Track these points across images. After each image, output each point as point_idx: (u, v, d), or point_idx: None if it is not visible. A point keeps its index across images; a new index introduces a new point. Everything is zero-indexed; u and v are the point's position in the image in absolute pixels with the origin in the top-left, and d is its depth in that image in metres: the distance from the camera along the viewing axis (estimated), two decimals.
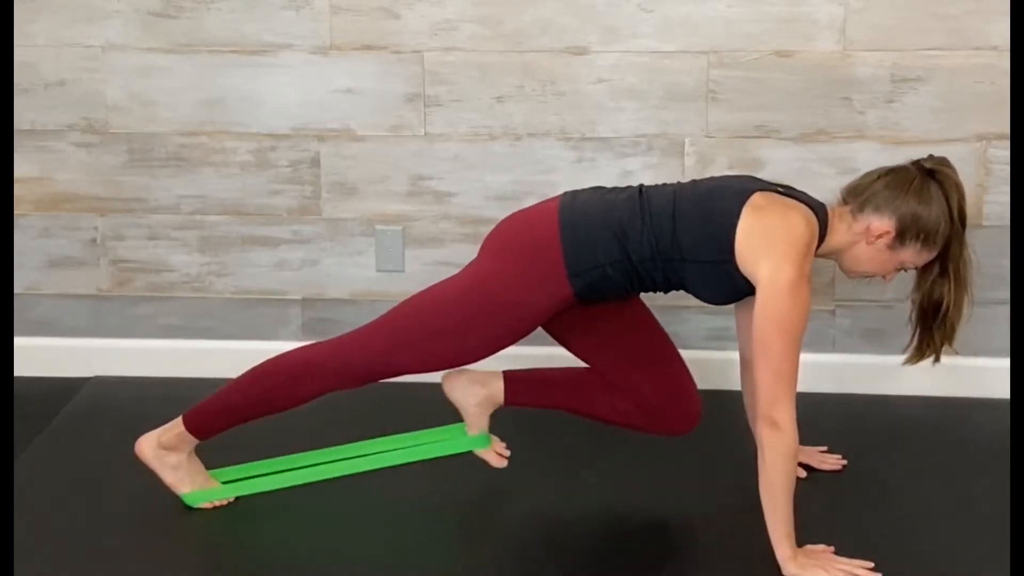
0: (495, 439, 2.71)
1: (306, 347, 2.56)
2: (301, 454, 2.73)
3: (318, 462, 2.71)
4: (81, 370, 3.30)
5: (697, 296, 2.47)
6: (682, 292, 2.49)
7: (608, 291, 2.46)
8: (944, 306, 2.45)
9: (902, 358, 2.57)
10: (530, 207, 2.57)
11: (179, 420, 2.56)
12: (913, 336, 2.53)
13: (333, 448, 2.75)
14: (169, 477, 2.57)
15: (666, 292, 2.49)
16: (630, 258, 2.40)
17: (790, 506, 2.31)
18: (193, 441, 2.56)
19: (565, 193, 2.54)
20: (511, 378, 2.64)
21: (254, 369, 2.54)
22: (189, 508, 2.58)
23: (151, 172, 3.22)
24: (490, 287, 2.44)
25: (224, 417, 2.55)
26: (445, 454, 2.72)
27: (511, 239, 2.49)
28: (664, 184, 2.52)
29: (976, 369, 3.03)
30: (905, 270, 2.49)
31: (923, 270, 2.49)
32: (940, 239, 2.41)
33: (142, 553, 2.46)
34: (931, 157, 2.47)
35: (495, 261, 2.47)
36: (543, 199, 2.58)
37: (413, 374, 2.50)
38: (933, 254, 2.44)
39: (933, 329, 2.49)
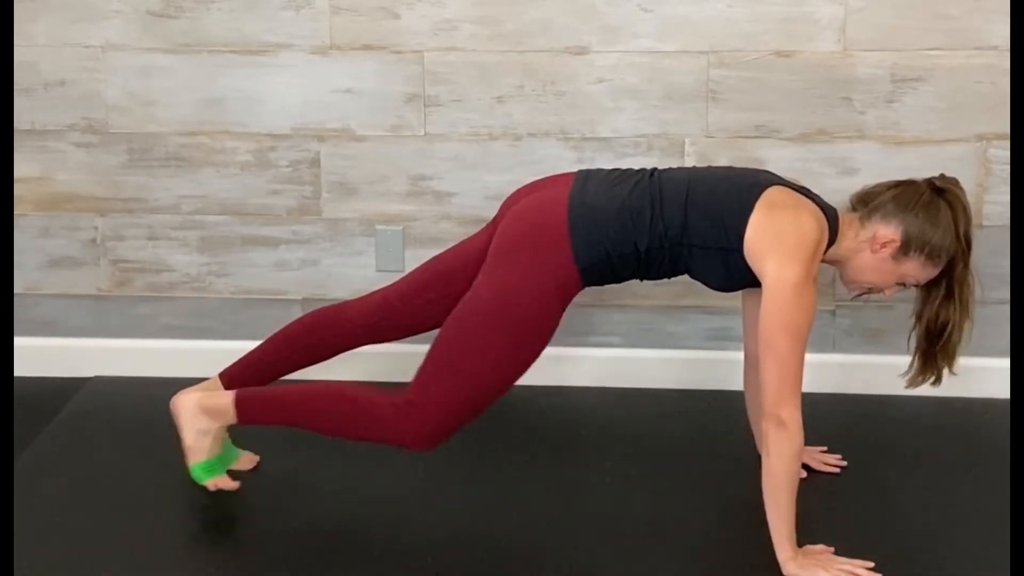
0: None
1: (382, 392, 2.50)
2: None
3: None
4: (81, 370, 3.30)
5: (702, 281, 2.48)
6: (681, 291, 2.50)
7: (612, 278, 2.48)
8: (949, 328, 2.47)
9: (903, 358, 2.58)
10: (543, 189, 2.55)
11: (228, 393, 2.54)
12: (914, 359, 2.55)
13: None
14: (191, 440, 2.54)
15: (671, 277, 2.50)
16: (637, 248, 2.41)
17: (793, 506, 2.31)
18: (231, 420, 2.54)
19: (579, 174, 2.54)
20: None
21: (328, 386, 2.52)
22: (185, 512, 2.57)
23: (151, 172, 3.22)
24: (512, 301, 2.40)
25: (273, 414, 2.54)
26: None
27: (519, 242, 2.45)
28: (679, 168, 2.53)
29: (976, 369, 3.03)
30: (906, 286, 2.50)
31: (928, 292, 2.50)
32: (944, 256, 2.42)
33: (142, 553, 2.46)
34: (942, 176, 2.48)
35: (510, 273, 2.43)
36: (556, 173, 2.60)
37: (486, 407, 2.47)
38: (936, 271, 2.45)
39: (936, 352, 2.50)
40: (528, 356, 2.43)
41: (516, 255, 2.44)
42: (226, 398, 2.54)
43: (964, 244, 2.43)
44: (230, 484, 2.59)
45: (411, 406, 2.43)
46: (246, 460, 2.76)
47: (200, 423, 2.55)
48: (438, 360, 2.44)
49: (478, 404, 2.45)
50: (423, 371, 2.45)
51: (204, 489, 2.59)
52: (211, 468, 2.57)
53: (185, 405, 2.56)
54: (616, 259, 2.42)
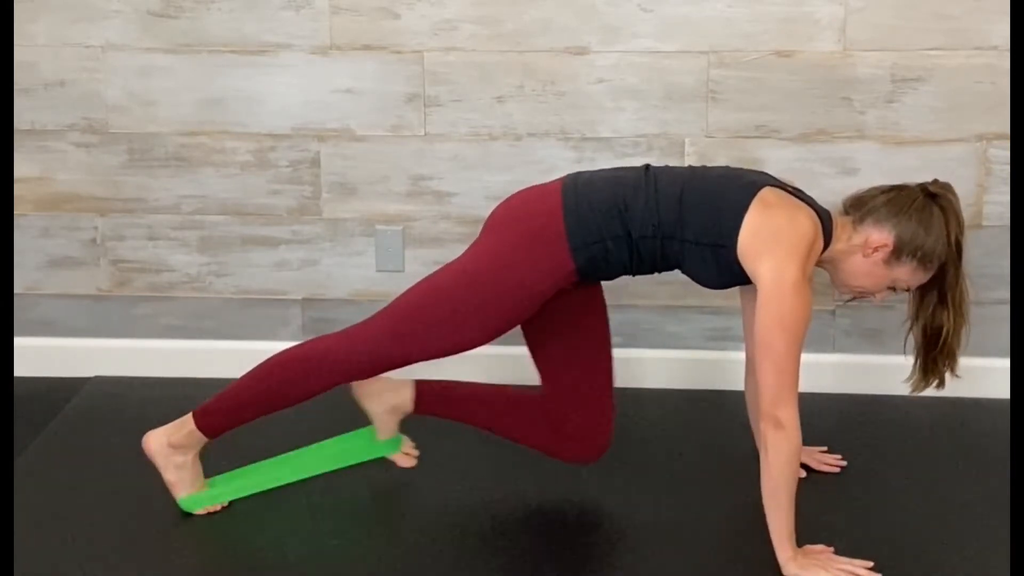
0: (405, 439, 2.75)
1: (313, 340, 2.56)
2: (255, 464, 2.72)
3: (270, 472, 2.71)
4: (81, 370, 3.30)
5: (692, 277, 2.47)
6: (682, 291, 2.49)
7: (609, 268, 2.46)
8: (945, 332, 2.47)
9: (902, 358, 2.58)
10: (533, 186, 2.56)
11: (189, 418, 2.55)
12: (916, 363, 2.54)
13: (275, 458, 2.74)
14: (171, 476, 2.57)
15: (661, 271, 2.49)
16: (630, 234, 2.40)
17: (792, 506, 2.31)
18: (202, 440, 2.56)
19: (568, 175, 2.54)
20: (423, 388, 2.66)
21: (261, 365, 2.54)
22: (185, 513, 2.57)
23: (151, 172, 3.22)
24: (491, 267, 2.43)
25: (235, 414, 2.55)
26: (360, 460, 2.73)
27: (513, 216, 2.49)
28: (673, 166, 2.53)
29: (976, 369, 3.02)
30: (896, 290, 2.49)
31: (921, 297, 2.49)
32: (936, 261, 2.41)
33: (142, 553, 2.46)
34: (936, 182, 2.47)
35: (496, 240, 2.47)
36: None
37: (422, 361, 2.50)
38: (927, 276, 2.44)
39: (936, 356, 2.50)
40: (480, 332, 2.45)
41: (509, 232, 2.45)
42: (189, 423, 2.55)
43: (956, 250, 2.42)
44: (219, 505, 2.61)
45: (351, 333, 2.49)
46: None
47: (175, 459, 2.57)
48: (397, 303, 2.49)
49: (412, 352, 2.47)
50: (380, 311, 2.50)
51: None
52: (197, 498, 2.58)
53: (156, 445, 2.57)
54: (610, 242, 2.40)
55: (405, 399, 2.66)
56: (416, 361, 2.50)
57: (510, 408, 2.65)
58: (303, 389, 2.51)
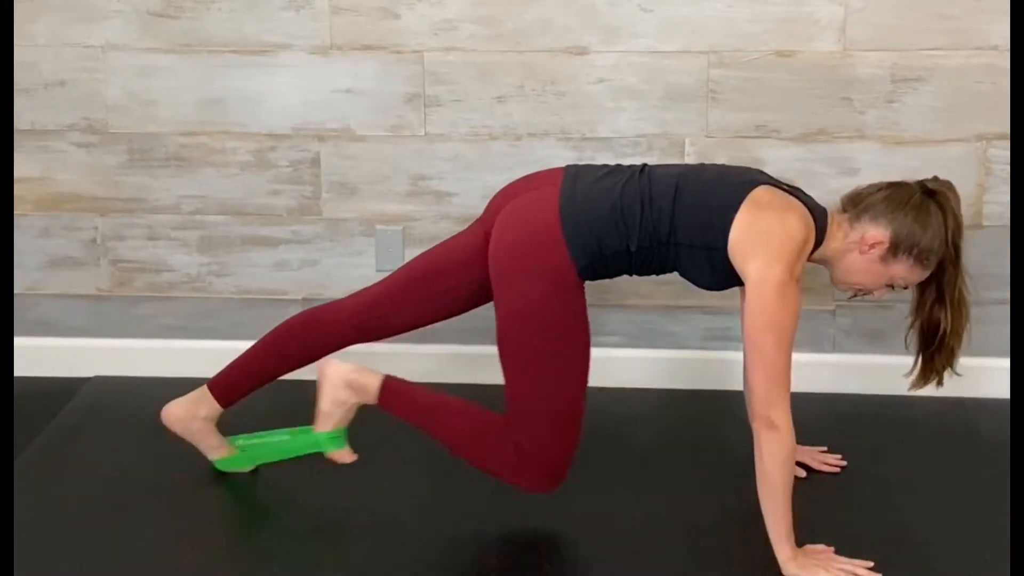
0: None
1: (502, 426, 2.49)
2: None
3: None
4: (81, 370, 3.30)
5: (688, 279, 2.47)
6: (681, 291, 2.48)
7: (605, 274, 2.47)
8: (942, 330, 2.46)
9: (902, 358, 2.58)
10: (531, 190, 2.52)
11: (379, 376, 2.54)
12: (916, 362, 2.54)
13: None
14: (326, 406, 2.55)
15: (659, 274, 2.50)
16: (628, 248, 2.41)
17: (789, 506, 2.31)
18: (372, 400, 2.54)
19: (567, 171, 2.52)
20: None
21: (465, 403, 2.53)
22: (184, 513, 2.57)
23: (151, 172, 3.22)
24: (539, 318, 2.40)
25: (410, 412, 2.54)
26: (306, 452, 2.68)
27: (515, 255, 2.43)
28: (671, 165, 2.52)
29: (976, 369, 3.03)
30: (895, 287, 2.49)
31: (920, 294, 2.49)
32: (933, 258, 2.41)
33: (141, 553, 2.46)
34: (935, 179, 2.47)
35: (517, 289, 2.42)
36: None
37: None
38: (925, 273, 2.44)
39: (933, 354, 2.50)
40: (582, 347, 2.44)
41: (516, 270, 2.42)
42: (375, 380, 2.53)
43: (953, 248, 2.41)
44: (349, 456, 2.60)
45: (528, 454, 2.44)
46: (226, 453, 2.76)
47: (340, 394, 2.54)
48: (519, 401, 2.44)
49: (576, 415, 2.46)
50: (515, 417, 2.44)
51: (204, 489, 2.60)
52: (335, 439, 2.58)
53: (334, 374, 2.55)
54: (609, 256, 2.42)
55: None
56: (581, 417, 2.48)
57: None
58: (467, 452, 2.50)
